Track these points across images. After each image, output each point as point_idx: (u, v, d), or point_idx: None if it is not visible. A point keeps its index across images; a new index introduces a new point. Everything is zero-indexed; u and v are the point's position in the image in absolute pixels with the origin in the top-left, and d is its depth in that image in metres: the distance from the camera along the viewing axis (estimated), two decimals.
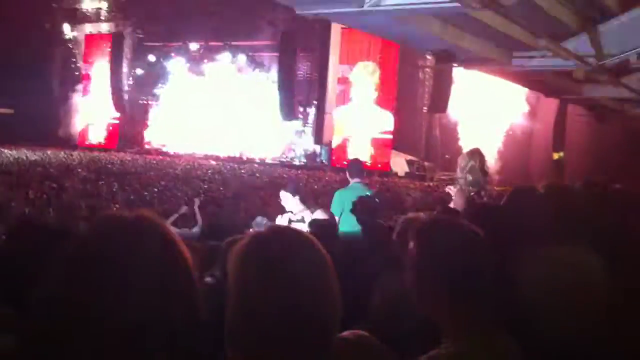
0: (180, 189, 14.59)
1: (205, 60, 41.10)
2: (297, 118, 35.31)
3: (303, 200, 6.31)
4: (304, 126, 36.71)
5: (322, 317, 1.37)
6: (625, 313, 2.43)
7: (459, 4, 10.37)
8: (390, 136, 33.57)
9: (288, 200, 6.17)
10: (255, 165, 30.51)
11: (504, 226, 2.66)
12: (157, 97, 43.42)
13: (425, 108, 32.78)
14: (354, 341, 1.62)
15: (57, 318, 1.06)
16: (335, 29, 33.41)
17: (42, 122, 43.86)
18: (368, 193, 5.70)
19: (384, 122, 33.82)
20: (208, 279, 3.30)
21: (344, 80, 34.83)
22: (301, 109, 35.91)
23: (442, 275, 1.80)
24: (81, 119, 45.14)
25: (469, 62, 17.32)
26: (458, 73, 26.85)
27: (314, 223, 4.84)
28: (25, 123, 42.52)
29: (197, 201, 9.00)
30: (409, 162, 32.81)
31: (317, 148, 35.52)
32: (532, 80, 20.10)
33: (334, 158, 33.73)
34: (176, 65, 42.19)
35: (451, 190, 5.24)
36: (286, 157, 36.81)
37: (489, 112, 30.92)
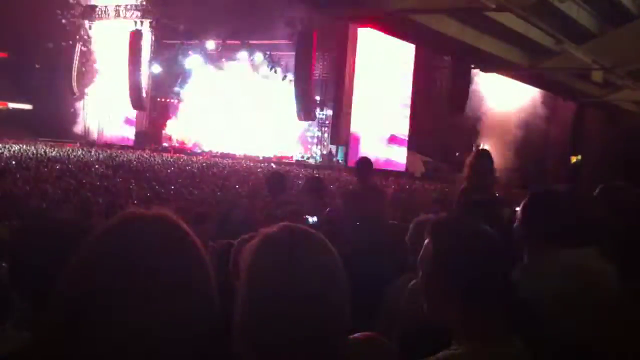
0: (197, 186, 14.64)
1: (223, 59, 41.22)
2: (313, 118, 35.30)
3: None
4: (321, 126, 36.69)
5: (333, 317, 1.36)
6: (637, 315, 2.42)
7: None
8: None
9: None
10: (272, 165, 30.53)
11: (520, 229, 2.64)
12: (175, 95, 43.59)
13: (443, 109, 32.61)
14: (364, 342, 1.62)
15: (73, 317, 1.06)
16: (353, 29, 33.40)
17: (60, 118, 44.21)
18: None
19: (401, 122, 33.78)
20: None
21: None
22: (318, 109, 35.88)
23: (456, 275, 1.79)
24: (99, 116, 45.39)
25: (487, 64, 17.31)
26: (476, 74, 26.77)
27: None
28: (43, 119, 42.88)
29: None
30: (425, 163, 32.68)
31: (333, 148, 35.49)
32: (550, 83, 20.03)
33: (349, 158, 33.66)
34: (194, 63, 42.32)
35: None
36: (302, 156, 36.81)
37: (506, 114, 30.73)
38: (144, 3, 40.69)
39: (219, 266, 3.04)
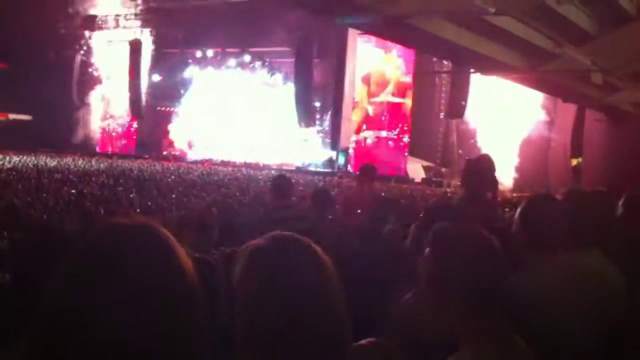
0: (198, 195, 14.65)
1: (222, 67, 41.31)
2: (314, 124, 35.34)
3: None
4: (321, 132, 36.72)
5: (330, 327, 1.33)
6: None
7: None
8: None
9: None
10: (272, 172, 30.55)
11: (519, 234, 2.65)
12: (175, 104, 43.68)
13: (442, 114, 32.66)
14: (370, 349, 1.60)
15: (56, 326, 1.06)
16: (352, 35, 33.48)
17: (60, 129, 44.24)
18: None
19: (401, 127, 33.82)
20: None
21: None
22: (318, 115, 35.91)
23: (458, 283, 1.79)
24: (99, 126, 45.48)
25: (486, 67, 17.33)
26: (475, 79, 26.81)
27: None
28: (43, 129, 42.90)
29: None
30: (426, 168, 32.69)
31: (334, 154, 35.52)
32: (549, 85, 20.03)
33: (350, 164, 33.65)
34: (194, 72, 42.44)
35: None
36: (303, 163, 36.83)
37: (507, 118, 30.75)
38: (144, 13, 40.80)
39: (225, 273, 3.03)
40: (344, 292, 1.40)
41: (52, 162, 26.92)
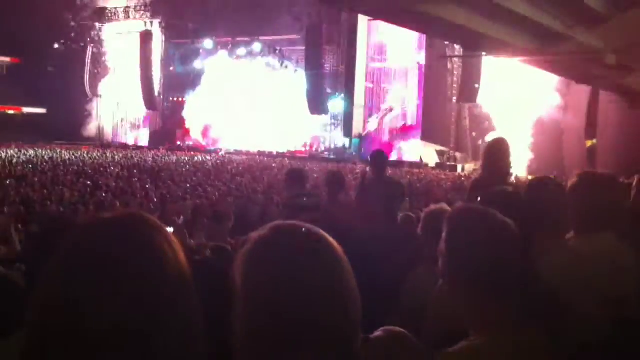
0: (212, 184, 14.71)
1: (233, 56, 41.29)
2: (325, 112, 35.32)
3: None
4: (332, 119, 36.67)
5: (338, 319, 1.29)
6: None
7: None
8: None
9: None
10: (286, 160, 30.59)
11: (526, 217, 2.64)
12: (187, 94, 43.75)
13: (454, 98, 32.52)
14: (386, 339, 1.53)
15: (46, 318, 1.07)
16: (362, 21, 33.36)
17: (74, 121, 44.55)
18: None
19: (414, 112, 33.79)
20: None
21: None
22: (329, 102, 35.88)
23: (472, 266, 1.76)
24: (113, 117, 45.68)
25: (498, 50, 17.19)
26: (488, 63, 26.63)
27: None
28: (58, 122, 43.20)
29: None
30: (440, 153, 32.60)
31: (347, 141, 35.50)
32: (562, 67, 19.83)
33: (362, 150, 33.60)
34: (204, 61, 42.47)
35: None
36: (316, 150, 36.83)
37: (520, 101, 30.55)
38: (153, 4, 40.86)
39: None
40: (353, 281, 1.33)
41: (67, 155, 27.09)
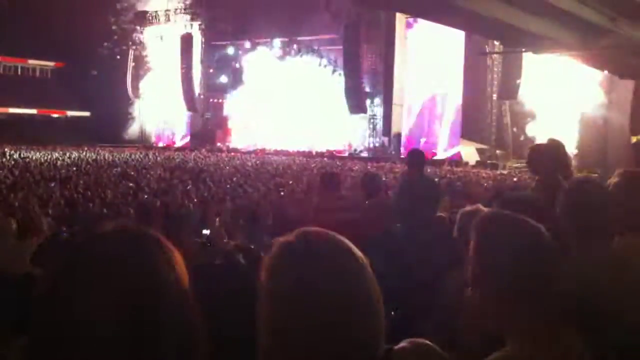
0: (252, 184, 14.79)
1: (273, 57, 41.52)
2: (364, 111, 35.25)
3: None
4: (372, 118, 36.57)
5: (358, 328, 1.28)
6: None
7: None
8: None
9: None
10: (325, 159, 30.62)
11: (566, 219, 2.57)
12: (226, 95, 44.13)
13: (494, 95, 32.16)
14: (410, 351, 1.48)
15: (44, 327, 1.08)
16: (400, 20, 33.19)
17: (117, 124, 45.31)
18: None
19: (454, 110, 33.50)
20: None
21: None
22: (368, 101, 35.78)
23: (503, 273, 1.72)
24: (155, 119, 46.29)
25: (538, 46, 16.92)
26: (528, 59, 26.25)
27: None
28: (101, 125, 44.00)
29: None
30: (480, 151, 32.27)
31: (386, 139, 35.37)
32: (605, 62, 19.43)
33: (403, 149, 33.42)
34: (243, 62, 42.80)
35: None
36: (355, 149, 36.78)
37: (562, 98, 30.07)
38: (193, 6, 41.33)
39: None
40: (376, 290, 1.33)
41: (110, 157, 27.55)
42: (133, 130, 46.35)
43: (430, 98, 34.46)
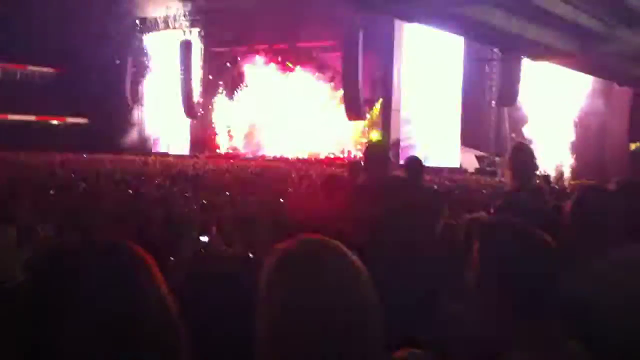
0: (251, 191, 14.77)
1: (272, 63, 41.59)
2: (363, 117, 35.26)
3: None
4: (370, 125, 36.58)
5: (357, 337, 1.28)
6: None
7: None
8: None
9: None
10: (324, 166, 30.60)
11: (571, 227, 2.56)
12: (225, 101, 44.18)
13: (493, 102, 32.20)
14: None
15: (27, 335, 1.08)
16: (399, 26, 33.23)
17: (116, 130, 45.26)
18: None
19: (453, 117, 33.53)
20: None
21: None
22: (367, 108, 35.80)
23: (505, 281, 1.72)
24: (154, 126, 46.29)
25: (537, 53, 16.98)
26: (527, 64, 26.31)
27: None
28: (100, 131, 43.98)
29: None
30: (479, 158, 32.27)
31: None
32: (604, 69, 19.50)
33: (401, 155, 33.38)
34: (243, 69, 42.89)
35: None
36: (353, 156, 36.78)
37: (560, 104, 30.12)
38: (192, 13, 41.38)
39: None
40: (375, 299, 1.33)
41: (109, 164, 27.51)
42: (132, 136, 46.31)
43: (428, 105, 34.48)
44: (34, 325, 1.07)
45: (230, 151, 42.30)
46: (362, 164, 4.75)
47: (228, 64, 43.37)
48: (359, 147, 36.94)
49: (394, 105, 34.46)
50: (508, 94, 27.77)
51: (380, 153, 4.69)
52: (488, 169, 30.65)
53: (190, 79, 40.34)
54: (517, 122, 32.01)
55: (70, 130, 47.07)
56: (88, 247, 1.17)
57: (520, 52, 19.33)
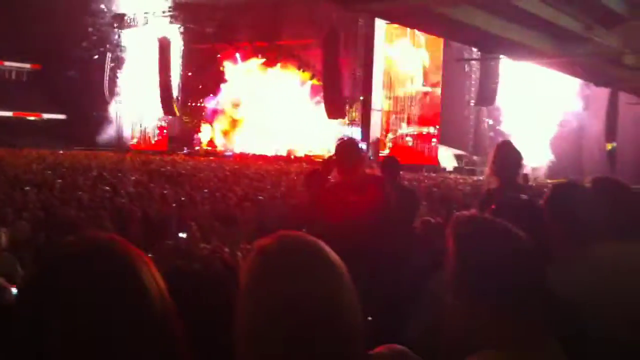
0: (230, 189, 14.72)
1: (251, 61, 41.50)
2: (343, 116, 35.30)
3: None
4: (350, 123, 36.64)
5: (336, 334, 1.27)
6: None
7: None
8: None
9: None
10: (304, 164, 30.59)
11: (548, 224, 2.54)
12: (205, 99, 44.03)
13: (472, 101, 32.40)
14: (387, 357, 1.48)
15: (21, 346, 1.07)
16: (380, 25, 33.32)
17: (94, 127, 44.91)
18: None
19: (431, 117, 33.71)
20: None
21: None
22: (347, 107, 35.86)
23: (481, 278, 1.68)
24: (132, 123, 46.01)
25: (516, 53, 17.10)
26: (506, 64, 26.50)
27: None
28: (78, 128, 43.63)
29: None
30: (458, 157, 32.48)
31: (364, 145, 35.46)
32: (581, 69, 19.68)
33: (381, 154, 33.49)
34: (223, 66, 42.77)
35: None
36: (333, 154, 36.78)
37: (539, 104, 30.39)
38: (172, 9, 41.14)
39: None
40: (354, 296, 1.33)
41: (86, 160, 27.27)
42: (110, 133, 45.99)
43: (408, 103, 34.63)
44: (41, 333, 1.06)
45: (209, 148, 42.12)
46: (335, 160, 4.72)
47: (208, 61, 43.17)
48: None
49: (373, 105, 34.55)
50: (487, 94, 27.97)
51: (351, 149, 4.67)
52: (466, 167, 30.85)
53: (169, 76, 40.12)
54: (496, 121, 32.27)
55: (47, 126, 46.63)
56: (84, 247, 1.15)
57: (500, 52, 19.45)
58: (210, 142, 43.24)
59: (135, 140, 45.82)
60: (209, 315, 1.79)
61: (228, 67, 42.61)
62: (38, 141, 38.50)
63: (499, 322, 1.64)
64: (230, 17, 37.61)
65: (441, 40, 30.67)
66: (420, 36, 32.86)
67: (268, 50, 40.43)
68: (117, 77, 45.89)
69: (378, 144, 34.53)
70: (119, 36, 45.58)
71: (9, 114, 45.78)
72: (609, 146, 27.15)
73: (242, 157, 37.53)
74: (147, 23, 43.31)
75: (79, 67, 43.20)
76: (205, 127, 43.93)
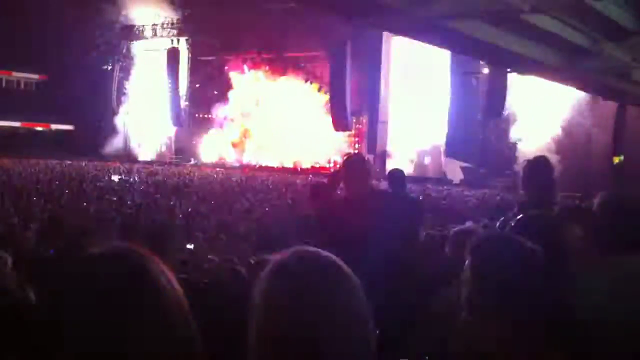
0: (237, 200, 14.75)
1: (259, 72, 41.62)
2: (349, 128, 35.27)
3: None
4: (356, 136, 36.67)
5: (348, 349, 1.29)
6: None
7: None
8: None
9: None
10: (310, 176, 30.59)
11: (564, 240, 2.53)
12: (213, 110, 44.14)
13: (479, 114, 32.36)
14: None
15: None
16: (387, 38, 33.40)
17: (102, 138, 45.05)
18: None
19: (438, 129, 33.68)
20: None
21: None
22: (354, 119, 35.86)
23: (497, 295, 1.70)
24: (140, 134, 46.12)
25: (524, 67, 17.09)
26: (514, 77, 26.50)
27: None
28: (85, 138, 43.77)
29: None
30: (464, 169, 32.41)
31: (371, 157, 35.43)
32: (589, 83, 19.65)
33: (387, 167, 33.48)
34: (230, 78, 42.88)
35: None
36: (340, 168, 36.75)
37: (547, 117, 30.36)
38: (180, 21, 41.35)
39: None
40: (367, 311, 1.34)
41: (93, 171, 27.35)
42: (117, 144, 46.11)
43: (415, 116, 34.65)
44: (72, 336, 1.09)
45: (216, 160, 42.19)
46: (342, 175, 4.71)
47: (215, 73, 43.31)
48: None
49: (380, 117, 34.56)
50: (494, 107, 27.91)
51: (360, 165, 4.67)
52: (473, 180, 30.77)
53: (177, 88, 40.25)
54: (503, 133, 32.23)
55: (55, 136, 46.80)
56: (104, 257, 1.19)
57: (507, 66, 19.45)
58: (218, 154, 43.30)
59: (143, 151, 45.90)
60: (222, 330, 1.80)
61: (235, 78, 42.70)
62: (46, 152, 38.63)
63: (512, 338, 1.65)
64: (237, 29, 37.72)
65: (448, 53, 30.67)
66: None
67: (275, 62, 40.54)
68: (125, 89, 46.07)
69: (384, 156, 34.51)
70: (128, 47, 45.81)
71: (18, 124, 45.96)
72: (616, 159, 27.07)
73: (249, 167, 37.57)
74: (155, 35, 43.54)
75: (87, 78, 43.35)
76: (212, 138, 43.98)
